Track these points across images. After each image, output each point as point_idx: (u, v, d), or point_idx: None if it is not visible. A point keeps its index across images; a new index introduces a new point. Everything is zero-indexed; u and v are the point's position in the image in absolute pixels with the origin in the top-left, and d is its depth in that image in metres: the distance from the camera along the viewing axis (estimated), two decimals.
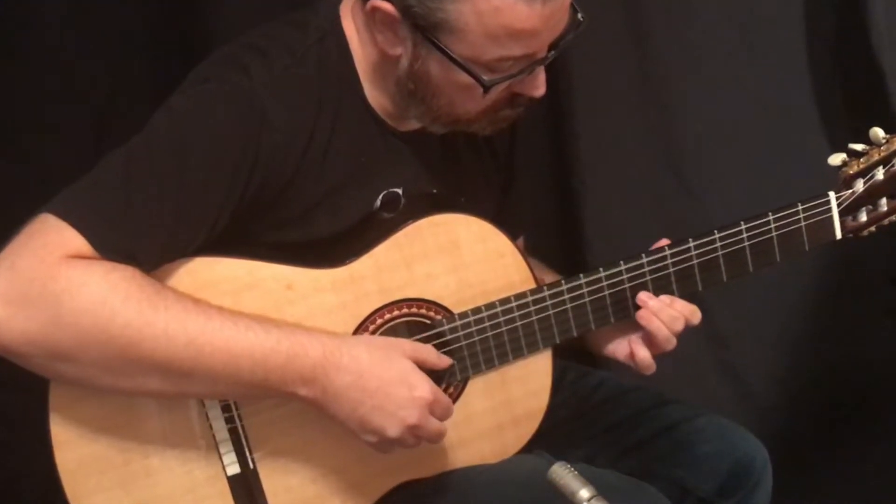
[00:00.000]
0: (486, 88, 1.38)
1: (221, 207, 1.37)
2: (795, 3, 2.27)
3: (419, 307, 1.49)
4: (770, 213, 1.55)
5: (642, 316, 1.52)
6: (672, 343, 1.53)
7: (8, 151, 1.95)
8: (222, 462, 1.43)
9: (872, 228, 1.60)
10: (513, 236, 1.54)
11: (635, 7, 2.23)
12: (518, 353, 1.52)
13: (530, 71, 1.40)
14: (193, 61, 1.46)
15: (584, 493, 1.14)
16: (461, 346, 1.50)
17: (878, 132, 1.56)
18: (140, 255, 1.31)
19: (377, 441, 1.40)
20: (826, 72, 2.26)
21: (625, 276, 1.53)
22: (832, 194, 1.57)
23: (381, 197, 1.50)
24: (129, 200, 1.31)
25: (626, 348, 1.57)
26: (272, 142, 1.38)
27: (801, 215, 1.56)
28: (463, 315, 1.49)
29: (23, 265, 1.27)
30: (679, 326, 1.52)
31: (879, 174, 1.56)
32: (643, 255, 1.53)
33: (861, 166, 1.57)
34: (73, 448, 1.38)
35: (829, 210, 1.57)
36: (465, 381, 1.52)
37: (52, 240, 1.28)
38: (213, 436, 1.43)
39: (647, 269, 1.53)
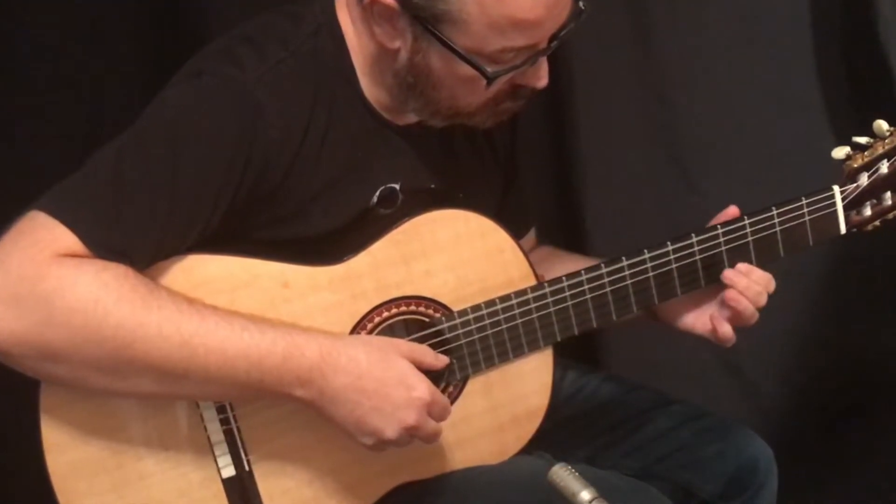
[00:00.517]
0: (490, 80, 1.37)
1: (215, 204, 1.36)
2: None
3: (417, 305, 1.48)
4: (773, 208, 1.54)
5: (731, 297, 1.52)
6: (755, 318, 1.54)
7: None
8: (217, 464, 1.42)
9: (877, 223, 1.60)
10: (521, 232, 1.53)
11: None
12: (518, 352, 1.51)
13: (533, 62, 1.39)
14: (186, 54, 1.45)
15: (586, 494, 1.13)
16: (461, 344, 1.49)
17: (882, 125, 1.55)
18: (133, 252, 1.31)
19: (374, 443, 1.40)
20: (832, 64, 2.26)
21: (627, 273, 1.52)
22: (836, 188, 1.56)
23: (378, 193, 1.49)
24: (120, 197, 1.31)
25: (706, 323, 1.57)
26: (266, 136, 1.37)
27: (805, 210, 1.55)
28: (462, 313, 1.49)
29: (13, 264, 1.26)
30: (763, 301, 1.53)
31: (884, 168, 1.56)
32: (645, 250, 1.52)
33: (865, 160, 1.56)
34: (64, 451, 1.37)
35: (834, 204, 1.56)
36: (464, 381, 1.52)
37: (42, 237, 1.27)
38: (208, 437, 1.42)
39: (649, 264, 1.52)
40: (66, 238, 1.27)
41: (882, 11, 2.14)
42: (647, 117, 2.28)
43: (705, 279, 1.54)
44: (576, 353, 1.72)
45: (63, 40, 1.91)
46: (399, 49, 1.39)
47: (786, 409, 2.42)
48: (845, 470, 2.30)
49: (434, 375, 1.44)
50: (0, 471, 1.94)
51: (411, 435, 1.40)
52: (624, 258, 1.52)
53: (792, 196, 1.55)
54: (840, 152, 1.57)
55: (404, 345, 1.43)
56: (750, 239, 1.53)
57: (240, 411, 1.42)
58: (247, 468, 1.43)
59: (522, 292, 1.50)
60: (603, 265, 1.52)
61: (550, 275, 1.53)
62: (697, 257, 1.53)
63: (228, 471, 1.42)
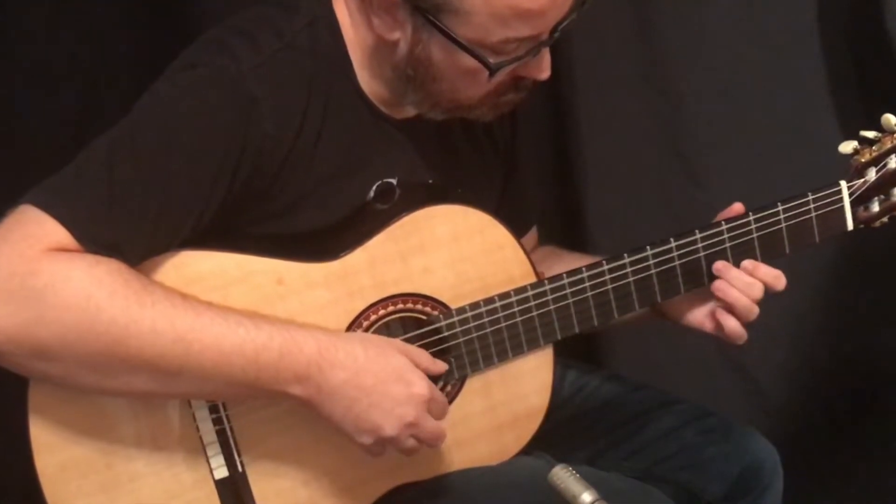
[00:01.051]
0: (493, 72, 1.36)
1: (209, 198, 1.34)
2: None
3: (415, 302, 1.47)
4: (779, 204, 1.53)
5: (718, 287, 1.51)
6: (755, 311, 1.52)
7: None
8: (210, 465, 1.41)
9: (885, 219, 1.58)
10: (521, 230, 1.52)
11: None
12: (518, 351, 1.50)
13: (535, 53, 1.39)
14: (179, 46, 1.43)
15: (587, 496, 1.12)
16: (459, 343, 1.48)
17: (890, 119, 1.54)
18: (125, 247, 1.29)
19: (372, 442, 1.38)
20: (838, 57, 2.24)
21: (629, 269, 1.51)
22: (843, 184, 1.55)
23: (374, 187, 1.48)
24: (112, 191, 1.29)
25: (711, 321, 1.56)
26: (261, 129, 1.36)
27: (812, 206, 1.54)
28: (461, 311, 1.48)
29: (2, 260, 1.25)
30: (756, 292, 1.51)
31: (892, 163, 1.54)
32: (648, 247, 1.51)
33: (873, 154, 1.55)
34: (53, 451, 1.35)
35: (841, 200, 1.55)
36: (462, 380, 1.51)
37: (32, 232, 1.26)
38: (200, 438, 1.41)
39: (651, 262, 1.51)
40: (57, 232, 1.26)
41: (890, 4, 2.13)
42: (650, 112, 2.27)
43: (709, 277, 1.53)
44: (577, 352, 1.71)
45: (56, 33, 1.91)
46: (398, 41, 1.38)
47: (791, 408, 2.41)
48: (852, 471, 2.29)
49: (431, 375, 1.43)
50: None
51: (411, 433, 1.38)
52: (626, 255, 1.51)
53: (798, 192, 1.53)
54: (847, 147, 1.56)
55: (401, 345, 1.42)
56: (755, 235, 1.52)
57: (233, 411, 1.41)
58: (240, 469, 1.42)
59: (522, 290, 1.48)
60: (605, 262, 1.51)
61: (551, 273, 1.52)
62: (701, 254, 1.52)
63: (221, 472, 1.41)
